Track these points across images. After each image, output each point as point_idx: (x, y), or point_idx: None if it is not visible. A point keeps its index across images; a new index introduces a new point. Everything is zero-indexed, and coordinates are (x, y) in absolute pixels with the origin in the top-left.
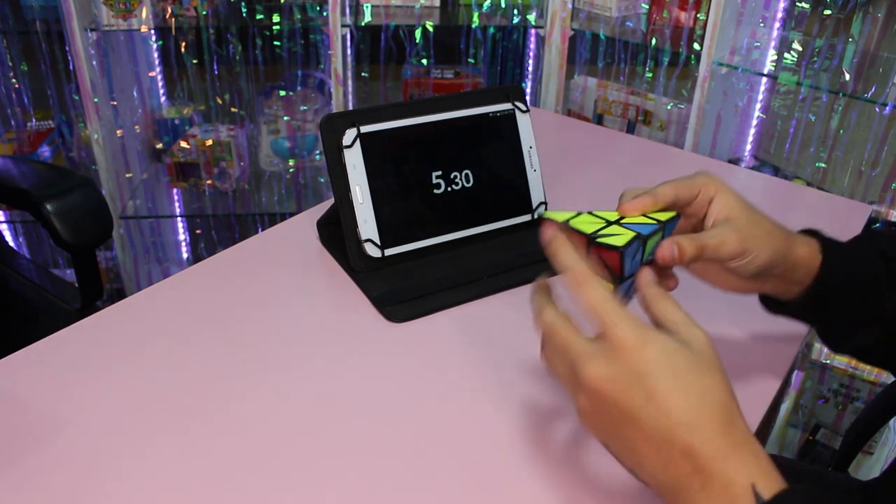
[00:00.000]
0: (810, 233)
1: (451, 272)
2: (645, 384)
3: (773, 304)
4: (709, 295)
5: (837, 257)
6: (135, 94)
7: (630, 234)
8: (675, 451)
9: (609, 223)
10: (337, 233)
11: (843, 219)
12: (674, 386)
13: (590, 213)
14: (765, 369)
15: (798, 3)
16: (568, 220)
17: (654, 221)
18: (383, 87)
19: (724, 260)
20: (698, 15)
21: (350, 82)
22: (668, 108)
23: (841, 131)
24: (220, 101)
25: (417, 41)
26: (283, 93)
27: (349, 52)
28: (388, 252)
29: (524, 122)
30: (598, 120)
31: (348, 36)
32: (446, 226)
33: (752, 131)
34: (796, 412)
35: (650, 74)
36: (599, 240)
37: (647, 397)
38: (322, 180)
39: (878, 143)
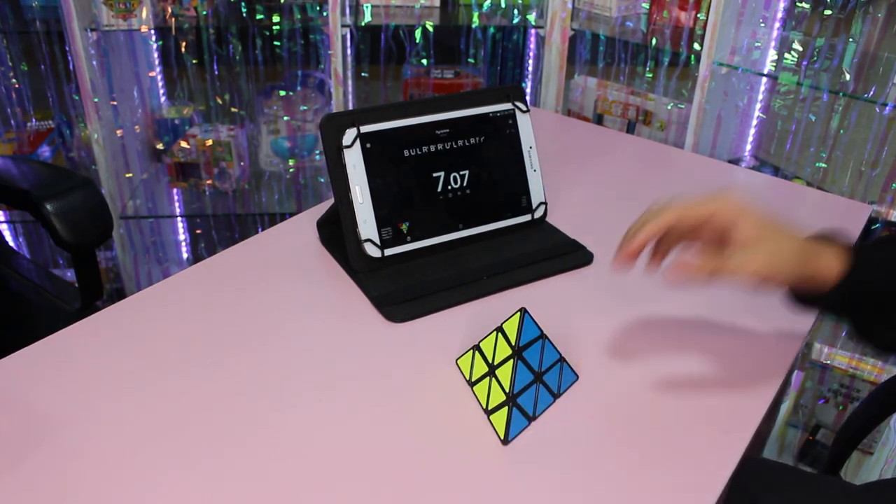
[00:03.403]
0: (831, 237)
1: (451, 272)
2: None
3: (797, 299)
4: (708, 294)
5: (864, 266)
6: (135, 94)
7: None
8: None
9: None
10: (337, 233)
11: (844, 219)
12: None
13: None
14: (765, 369)
15: (798, 3)
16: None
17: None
18: (383, 87)
19: (747, 280)
20: (698, 15)
21: (350, 82)
22: (669, 108)
23: (841, 131)
24: (220, 101)
25: (417, 41)
26: (283, 93)
27: (349, 52)
28: (388, 252)
29: (524, 122)
30: (598, 120)
31: (348, 36)
32: (446, 226)
33: (753, 131)
34: (796, 412)
35: (650, 74)
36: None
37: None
38: (322, 180)
39: (878, 144)
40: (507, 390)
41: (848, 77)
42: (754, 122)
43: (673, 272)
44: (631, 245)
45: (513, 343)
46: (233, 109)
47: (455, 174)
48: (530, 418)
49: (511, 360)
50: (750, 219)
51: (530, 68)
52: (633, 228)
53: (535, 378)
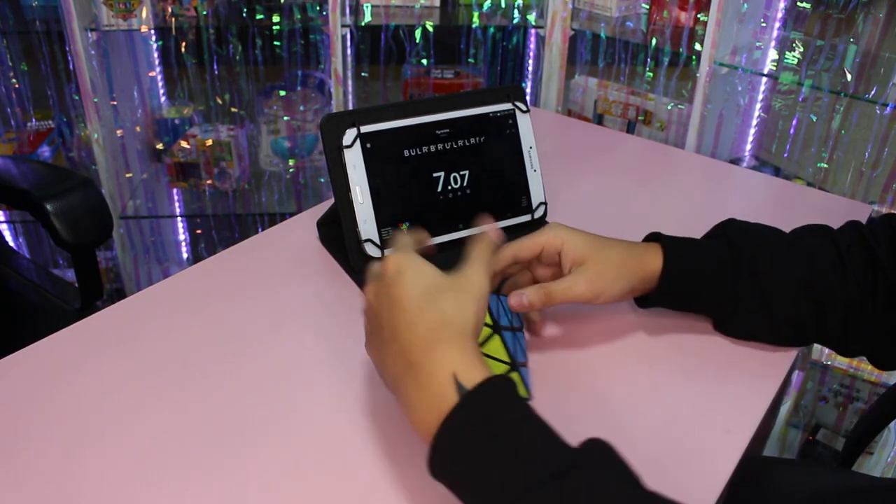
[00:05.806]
0: (656, 237)
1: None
2: (391, 293)
3: (639, 300)
4: None
5: (679, 254)
6: (135, 94)
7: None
8: (397, 347)
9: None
10: (337, 233)
11: (844, 219)
12: (408, 295)
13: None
14: (765, 369)
15: (799, 3)
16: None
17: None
18: (383, 87)
19: (578, 302)
20: (699, 15)
21: (350, 82)
22: (669, 108)
23: (842, 132)
24: (220, 101)
25: (417, 41)
26: (283, 93)
27: (349, 52)
28: (389, 252)
29: (524, 123)
30: (598, 120)
31: (348, 36)
32: (446, 226)
33: (753, 131)
34: (797, 412)
35: (650, 74)
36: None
37: (391, 304)
38: (322, 180)
39: (878, 144)
40: (508, 360)
41: (849, 77)
42: (755, 122)
43: (512, 300)
44: None
45: (490, 323)
46: (233, 109)
47: (455, 174)
48: (524, 364)
49: (496, 336)
50: (572, 243)
51: (530, 68)
52: None
53: (494, 329)
